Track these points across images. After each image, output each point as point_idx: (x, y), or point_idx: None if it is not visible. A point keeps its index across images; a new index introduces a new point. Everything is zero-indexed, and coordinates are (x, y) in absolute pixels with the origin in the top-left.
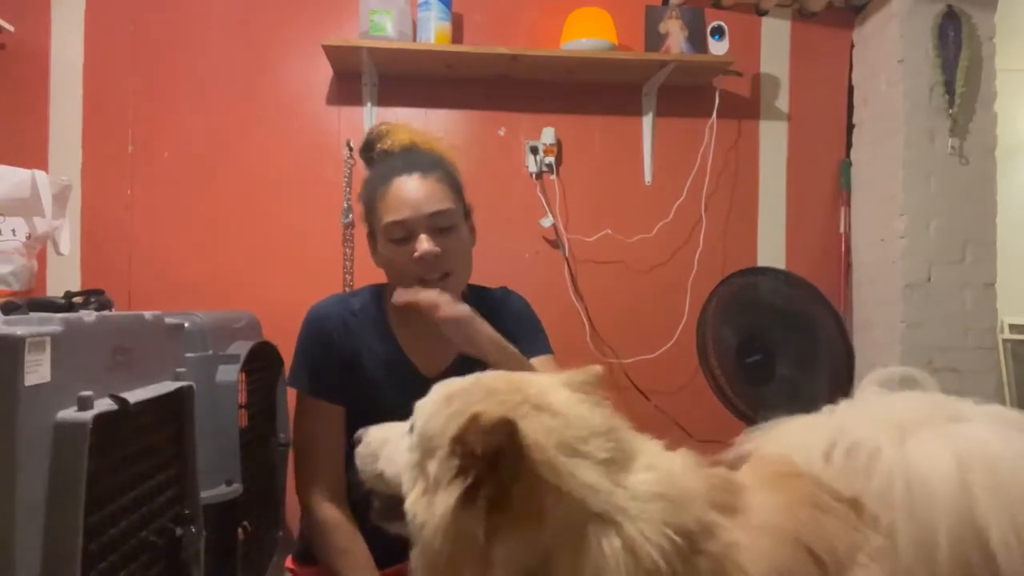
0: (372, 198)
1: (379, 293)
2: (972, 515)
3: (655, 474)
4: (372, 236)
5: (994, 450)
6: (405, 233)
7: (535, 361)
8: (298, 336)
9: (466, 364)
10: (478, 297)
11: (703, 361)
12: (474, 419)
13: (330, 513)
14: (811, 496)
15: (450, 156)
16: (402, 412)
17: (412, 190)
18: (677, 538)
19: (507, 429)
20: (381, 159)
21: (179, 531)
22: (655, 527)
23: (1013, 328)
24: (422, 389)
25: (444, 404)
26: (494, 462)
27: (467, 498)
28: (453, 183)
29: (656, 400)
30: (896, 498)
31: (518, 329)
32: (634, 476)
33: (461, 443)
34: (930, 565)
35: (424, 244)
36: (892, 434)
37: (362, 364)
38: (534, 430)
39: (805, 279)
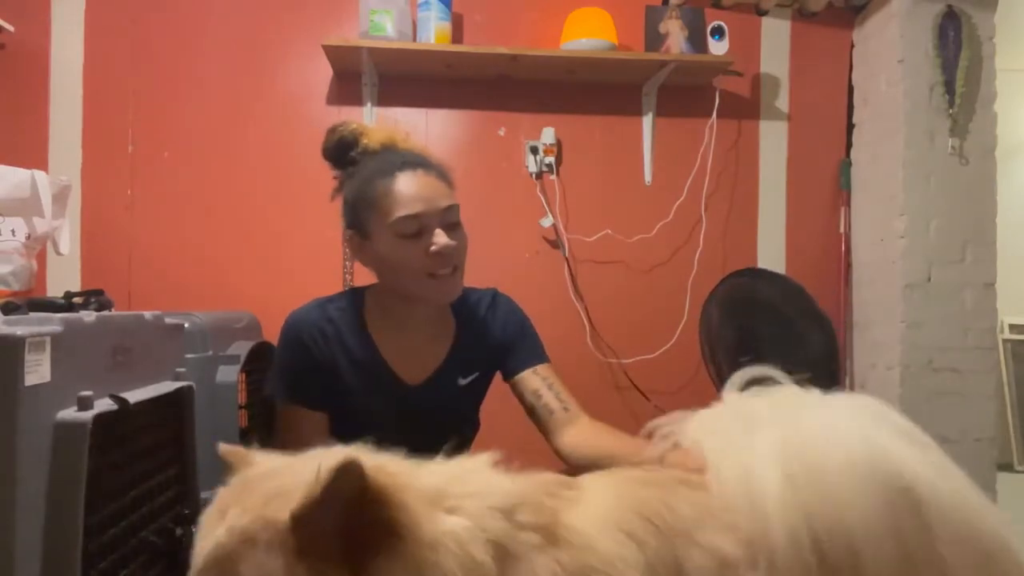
0: (371, 195)
1: (360, 298)
2: (797, 504)
3: (458, 465)
4: (362, 235)
5: (826, 437)
6: (418, 228)
7: (538, 369)
8: (276, 345)
9: (450, 371)
10: (466, 298)
11: (709, 358)
12: (308, 496)
13: None
14: (656, 478)
15: (428, 152)
16: (384, 421)
17: (422, 185)
18: (501, 509)
19: (354, 466)
20: (363, 159)
21: (179, 531)
22: (483, 502)
23: (1013, 328)
24: (404, 397)
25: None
26: (349, 518)
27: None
28: (449, 179)
29: (656, 400)
30: (734, 490)
31: (514, 338)
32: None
33: (305, 521)
34: (768, 543)
35: (441, 238)
36: (735, 430)
37: (340, 372)
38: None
39: (799, 284)
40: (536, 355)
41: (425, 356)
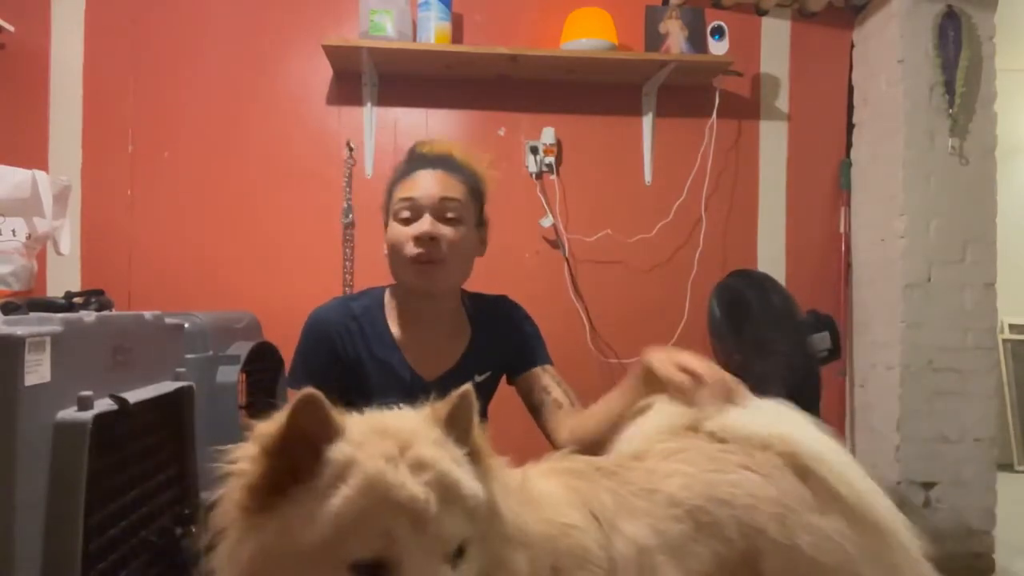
0: (393, 183)
1: (380, 296)
2: None
3: None
4: (385, 225)
5: None
6: (412, 213)
7: (547, 368)
8: (299, 340)
9: (466, 368)
10: (477, 303)
11: (721, 351)
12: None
13: None
14: (581, 470)
15: (484, 174)
16: None
17: (430, 177)
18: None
19: (469, 392)
20: (413, 158)
21: (179, 531)
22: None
23: (1013, 328)
24: (422, 393)
25: None
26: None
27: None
28: (474, 189)
29: None
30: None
31: (526, 340)
32: None
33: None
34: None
35: (424, 224)
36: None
37: (363, 368)
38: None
39: (788, 297)
40: (545, 356)
41: (442, 353)
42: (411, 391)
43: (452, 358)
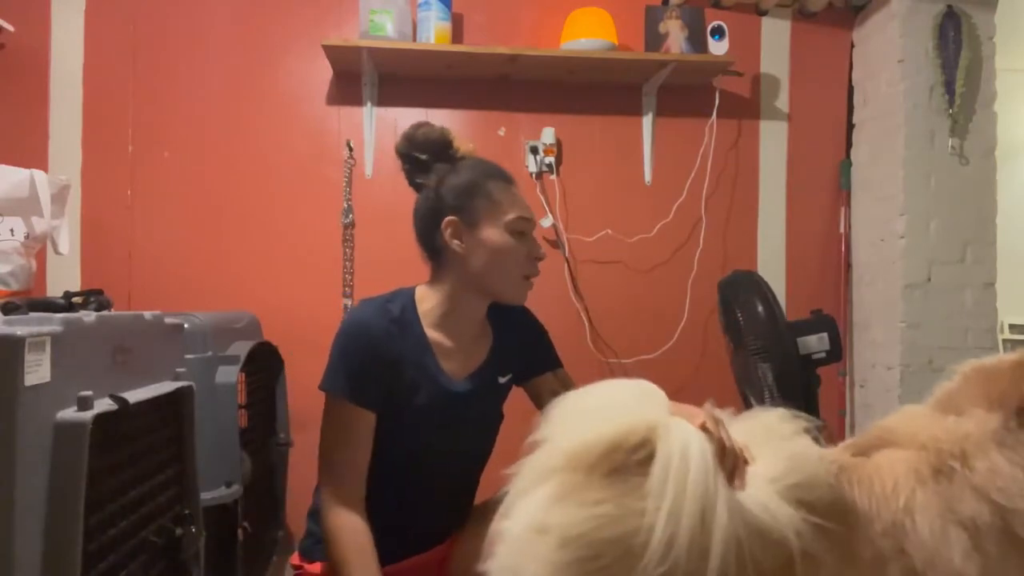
0: (491, 190)
1: (411, 297)
2: None
3: None
4: (468, 222)
5: None
6: (526, 229)
7: (558, 372)
8: (338, 342)
9: (488, 369)
10: (495, 307)
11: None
12: None
13: (343, 520)
14: None
15: None
16: (427, 414)
17: (524, 199)
18: None
19: None
20: (460, 159)
21: (179, 531)
22: None
23: (1013, 328)
24: (449, 392)
25: None
26: None
27: None
28: None
29: None
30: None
31: (539, 342)
32: None
33: None
34: None
35: (542, 247)
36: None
37: (401, 370)
38: None
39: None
40: (556, 360)
41: (470, 354)
42: (441, 392)
43: (478, 359)
